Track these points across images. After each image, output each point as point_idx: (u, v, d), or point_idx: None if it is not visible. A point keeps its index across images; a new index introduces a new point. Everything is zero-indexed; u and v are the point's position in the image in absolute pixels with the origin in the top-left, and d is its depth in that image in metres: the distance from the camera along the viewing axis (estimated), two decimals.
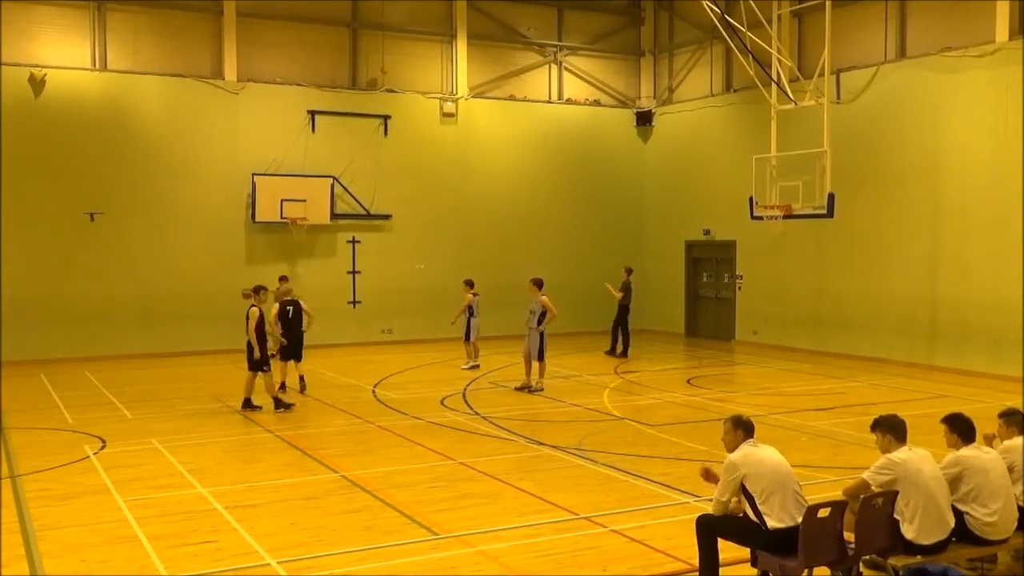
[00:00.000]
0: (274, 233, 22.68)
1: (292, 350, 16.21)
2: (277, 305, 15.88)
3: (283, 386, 15.94)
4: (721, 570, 6.90)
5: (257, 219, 22.27)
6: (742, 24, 18.68)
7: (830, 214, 17.77)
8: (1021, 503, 7.14)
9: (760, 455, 6.80)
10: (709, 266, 25.40)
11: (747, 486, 6.69)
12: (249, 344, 14.55)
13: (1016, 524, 7.04)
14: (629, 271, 22.37)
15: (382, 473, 10.71)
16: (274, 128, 22.60)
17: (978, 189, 18.40)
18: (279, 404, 14.66)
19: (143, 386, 17.52)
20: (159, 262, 21.62)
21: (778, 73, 18.79)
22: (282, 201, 22.23)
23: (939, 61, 19.09)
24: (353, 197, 23.40)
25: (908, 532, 6.68)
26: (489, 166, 25.04)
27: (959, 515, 6.87)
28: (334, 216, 23.07)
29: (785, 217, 18.53)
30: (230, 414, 14.59)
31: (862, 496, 6.76)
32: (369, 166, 23.54)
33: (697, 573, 6.97)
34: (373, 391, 16.73)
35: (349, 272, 23.60)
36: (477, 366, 19.38)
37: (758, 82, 19.17)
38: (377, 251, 23.79)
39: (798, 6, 21.08)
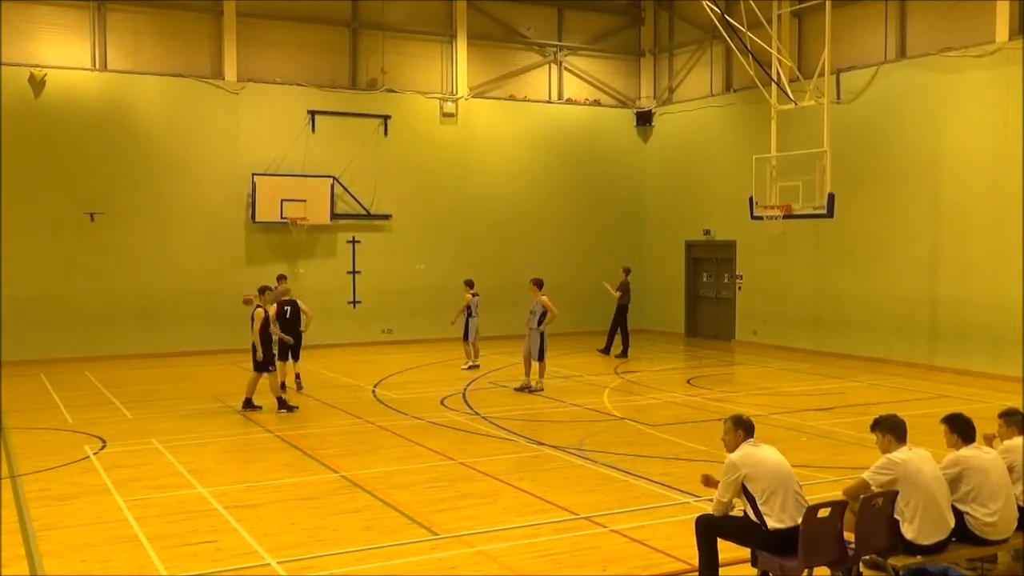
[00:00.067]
0: (274, 233, 22.68)
1: (290, 350, 16.23)
2: (275, 305, 15.88)
3: (282, 386, 15.93)
4: (721, 570, 6.90)
5: (257, 219, 22.27)
6: (742, 24, 18.68)
7: (830, 214, 17.78)
8: (1021, 503, 7.14)
9: (761, 455, 6.80)
10: (709, 266, 25.40)
11: (748, 486, 6.69)
12: (254, 345, 14.58)
13: (1016, 524, 7.04)
14: (627, 271, 22.37)
15: (382, 473, 10.71)
16: (274, 128, 22.60)
17: (978, 189, 18.40)
18: (282, 405, 14.65)
19: (143, 386, 17.52)
20: (159, 262, 21.62)
21: (778, 73, 18.80)
22: (282, 201, 22.23)
23: (939, 61, 19.08)
24: (353, 197, 23.40)
25: (908, 532, 6.68)
26: (489, 166, 25.04)
27: (959, 515, 6.87)
28: (334, 216, 23.07)
29: (785, 217, 18.54)
30: (230, 414, 14.59)
31: (862, 496, 6.76)
32: (369, 166, 23.54)
33: (697, 573, 6.97)
34: (373, 391, 16.73)
35: (349, 272, 23.60)
36: (477, 366, 19.38)
37: (758, 82, 19.17)
38: (377, 251, 23.79)
39: (798, 6, 21.08)
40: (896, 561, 6.69)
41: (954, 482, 6.95)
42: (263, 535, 8.41)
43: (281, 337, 15.69)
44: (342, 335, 22.90)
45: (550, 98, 25.97)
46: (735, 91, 23.84)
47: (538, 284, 17.09)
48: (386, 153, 23.80)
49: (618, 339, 21.76)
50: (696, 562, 6.96)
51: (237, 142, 22.28)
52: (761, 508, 6.61)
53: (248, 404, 14.70)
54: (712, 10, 18.77)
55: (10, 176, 20.08)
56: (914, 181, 19.55)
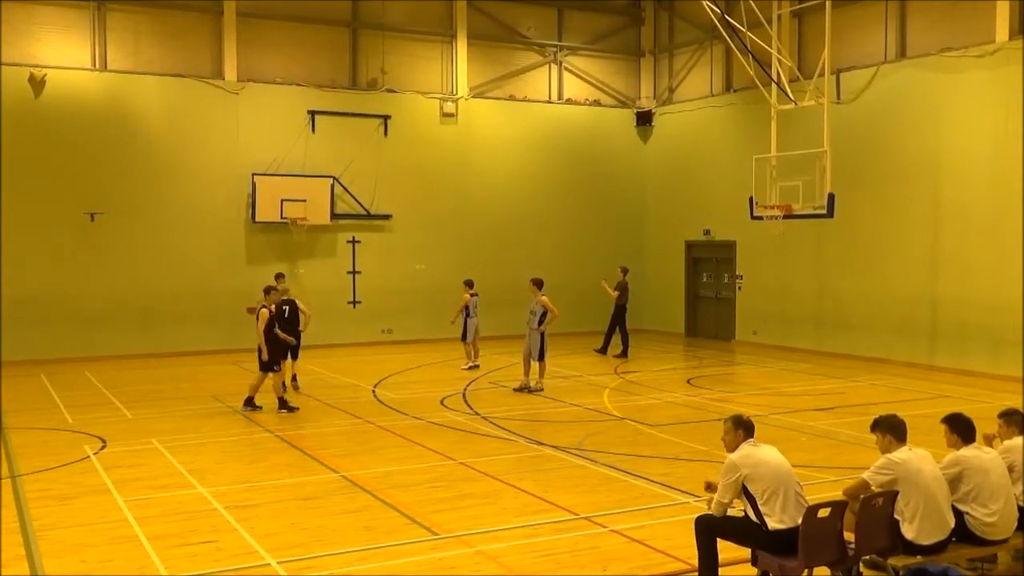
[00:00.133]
0: (274, 233, 22.68)
1: (290, 349, 16.20)
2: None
3: (283, 386, 15.91)
4: (721, 570, 6.90)
5: (257, 219, 22.27)
6: (742, 24, 18.69)
7: (830, 214, 17.79)
8: (1021, 503, 7.14)
9: (761, 455, 6.79)
10: (709, 266, 25.40)
11: (748, 487, 6.68)
12: (259, 345, 14.61)
13: (1016, 524, 7.05)
14: (625, 271, 22.37)
15: (382, 473, 10.71)
16: (274, 128, 22.60)
17: (978, 189, 18.39)
18: (283, 405, 14.65)
19: (143, 386, 17.52)
20: (159, 262, 21.62)
21: (778, 73, 18.80)
22: (282, 201, 22.23)
23: (939, 61, 19.08)
24: (353, 197, 23.40)
25: (908, 532, 6.68)
26: (489, 166, 25.04)
27: (959, 515, 6.87)
28: (334, 216, 23.07)
29: (785, 217, 18.55)
30: (230, 414, 14.59)
31: (862, 496, 6.76)
32: (369, 166, 23.54)
33: (697, 573, 6.97)
34: (373, 391, 16.73)
35: (349, 272, 23.60)
36: (477, 366, 19.38)
37: (758, 82, 19.18)
38: (377, 251, 23.79)
39: (798, 6, 21.07)
40: (896, 561, 6.69)
41: (954, 482, 6.95)
42: (263, 535, 8.42)
43: (284, 338, 15.67)
44: (342, 335, 22.90)
45: (550, 98, 25.97)
46: (735, 91, 23.84)
47: (538, 284, 17.08)
48: (386, 153, 23.80)
49: (617, 339, 21.76)
50: (696, 562, 6.96)
51: (237, 142, 22.28)
52: (762, 508, 6.61)
53: (249, 402, 14.71)
54: (712, 10, 18.78)
55: (10, 176, 20.06)
56: (914, 181, 19.55)
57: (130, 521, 8.89)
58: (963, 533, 6.88)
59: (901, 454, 6.79)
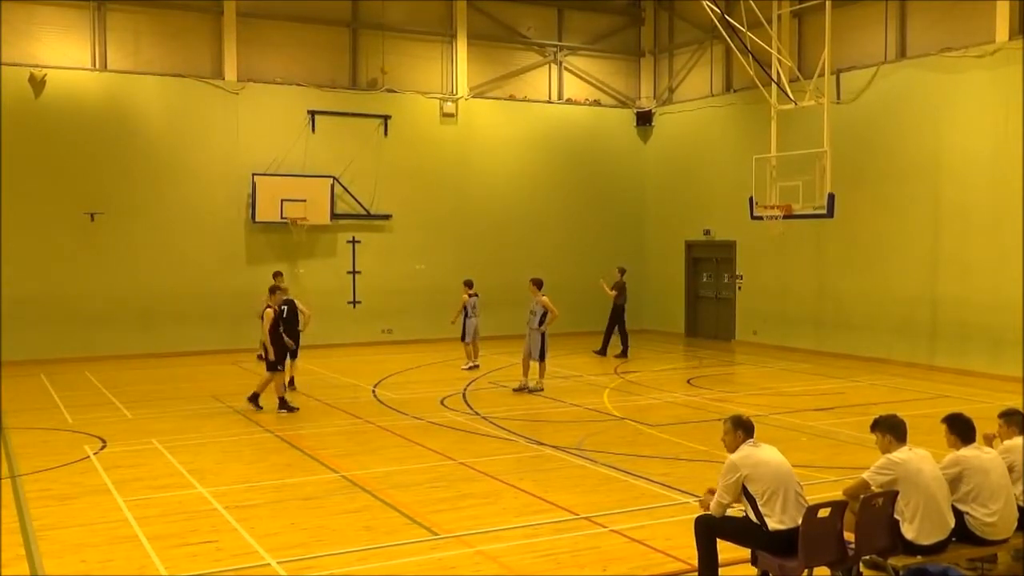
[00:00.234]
0: (274, 233, 22.68)
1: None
2: None
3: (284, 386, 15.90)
4: (721, 570, 6.90)
5: (257, 219, 22.27)
6: (742, 24, 18.69)
7: (830, 214, 17.79)
8: (1021, 503, 7.14)
9: (761, 456, 6.79)
10: (709, 266, 25.40)
11: (748, 487, 6.68)
12: (264, 344, 14.63)
13: (1016, 524, 7.04)
14: (622, 271, 22.36)
15: (382, 473, 10.71)
16: (274, 128, 22.60)
17: (978, 189, 18.39)
18: (283, 405, 14.65)
19: (143, 386, 17.52)
20: (159, 262, 21.62)
21: (778, 73, 18.80)
22: (282, 201, 22.23)
23: (939, 61, 19.08)
24: (353, 197, 23.40)
25: (908, 532, 6.68)
26: (489, 166, 25.04)
27: (959, 515, 6.87)
28: (334, 216, 23.07)
29: (785, 217, 18.55)
30: (230, 414, 14.59)
31: (862, 496, 6.75)
32: (369, 166, 23.54)
33: (697, 573, 6.96)
34: (373, 391, 16.73)
35: (349, 272, 23.60)
36: (477, 366, 19.38)
37: (758, 82, 19.18)
38: (377, 251, 23.79)
39: (798, 6, 21.07)
40: (896, 561, 6.69)
41: (954, 482, 6.95)
42: (263, 535, 8.42)
43: (286, 342, 15.67)
44: (342, 335, 22.90)
45: (550, 98, 25.97)
46: (735, 91, 23.84)
47: (538, 284, 17.08)
48: (386, 153, 23.80)
49: (617, 339, 21.76)
50: (696, 562, 6.95)
51: (237, 142, 22.27)
52: (762, 509, 6.61)
53: (254, 399, 14.73)
54: (712, 10, 18.78)
55: (10, 176, 20.06)
56: (914, 181, 19.55)
57: (130, 521, 8.89)
58: (963, 533, 6.88)
59: (901, 454, 6.79)
